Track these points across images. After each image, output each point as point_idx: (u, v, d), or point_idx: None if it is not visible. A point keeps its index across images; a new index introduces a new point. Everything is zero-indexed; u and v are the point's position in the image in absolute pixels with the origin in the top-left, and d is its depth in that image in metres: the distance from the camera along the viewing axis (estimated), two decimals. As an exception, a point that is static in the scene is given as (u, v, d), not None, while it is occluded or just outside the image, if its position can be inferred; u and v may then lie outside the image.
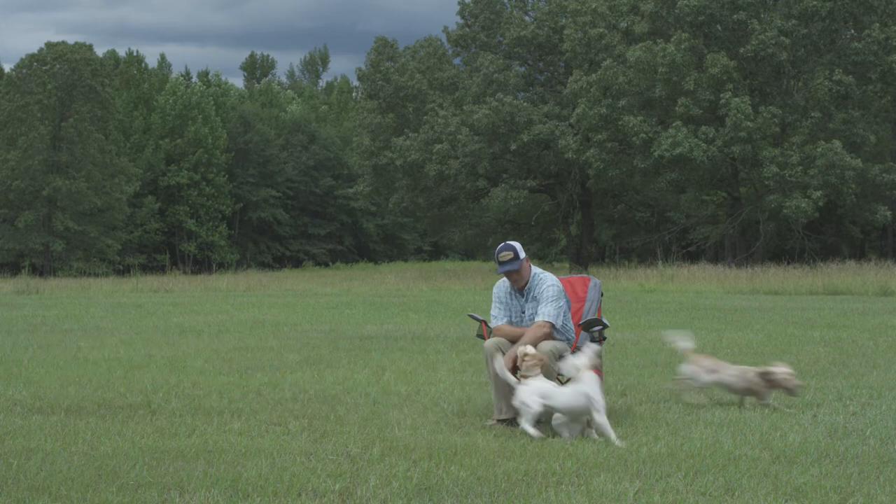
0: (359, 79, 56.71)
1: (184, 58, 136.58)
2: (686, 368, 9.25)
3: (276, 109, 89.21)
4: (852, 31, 44.41)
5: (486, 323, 8.68)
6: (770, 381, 8.79)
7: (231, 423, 8.09)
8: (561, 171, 50.87)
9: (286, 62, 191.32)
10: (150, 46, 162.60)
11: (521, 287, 8.43)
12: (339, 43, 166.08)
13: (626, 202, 54.85)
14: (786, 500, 5.76)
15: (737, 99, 41.26)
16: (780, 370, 8.82)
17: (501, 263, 8.30)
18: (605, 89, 44.53)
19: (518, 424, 7.89)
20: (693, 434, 7.54)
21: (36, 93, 63.59)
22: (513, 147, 47.56)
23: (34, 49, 66.71)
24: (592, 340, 8.49)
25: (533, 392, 7.57)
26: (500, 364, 7.83)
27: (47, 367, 11.82)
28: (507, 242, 8.43)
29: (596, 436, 7.42)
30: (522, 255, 8.34)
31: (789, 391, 8.80)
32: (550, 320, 8.20)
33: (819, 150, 40.78)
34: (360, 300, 27.55)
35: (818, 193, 40.54)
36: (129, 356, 13.00)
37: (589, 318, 8.51)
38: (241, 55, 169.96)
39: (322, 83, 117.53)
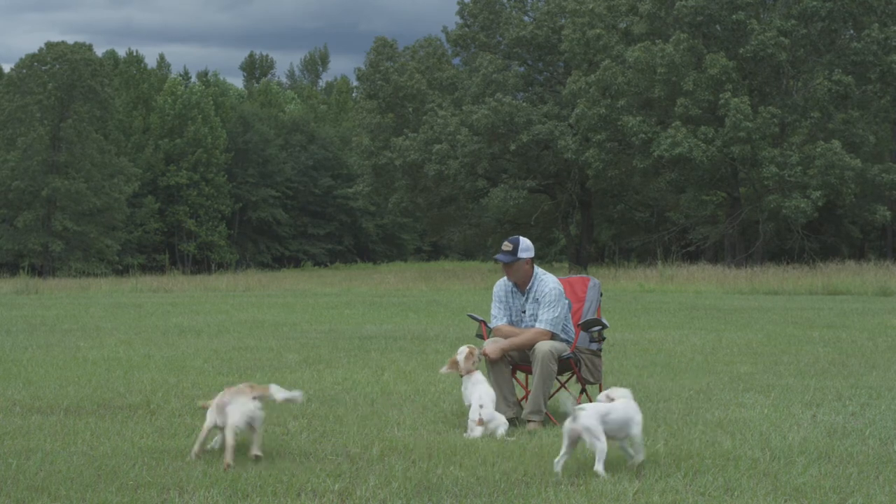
0: (358, 79, 56.66)
1: (186, 58, 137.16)
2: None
3: (274, 109, 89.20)
4: (851, 32, 44.38)
5: (485, 323, 8.69)
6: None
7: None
8: (560, 171, 50.87)
9: (289, 62, 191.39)
10: (154, 47, 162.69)
11: (518, 284, 8.45)
12: (340, 43, 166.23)
13: (625, 202, 54.83)
14: (785, 500, 5.76)
15: (736, 99, 41.24)
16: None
17: (500, 251, 8.38)
18: (604, 89, 44.52)
19: (518, 424, 7.90)
20: (692, 434, 7.54)
21: (35, 93, 63.56)
22: (512, 147, 47.56)
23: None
24: (592, 340, 8.50)
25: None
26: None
27: (46, 367, 11.81)
28: (516, 236, 8.45)
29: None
30: (524, 254, 8.32)
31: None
32: (549, 329, 8.24)
33: (818, 150, 40.75)
34: (359, 300, 27.54)
35: (818, 193, 40.52)
36: (128, 356, 12.99)
37: (588, 318, 8.52)
38: (244, 55, 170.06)
39: (322, 83, 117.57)
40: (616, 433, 6.52)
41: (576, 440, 6.40)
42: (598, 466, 6.25)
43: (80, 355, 13.06)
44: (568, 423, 6.42)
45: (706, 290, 31.17)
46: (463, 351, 8.04)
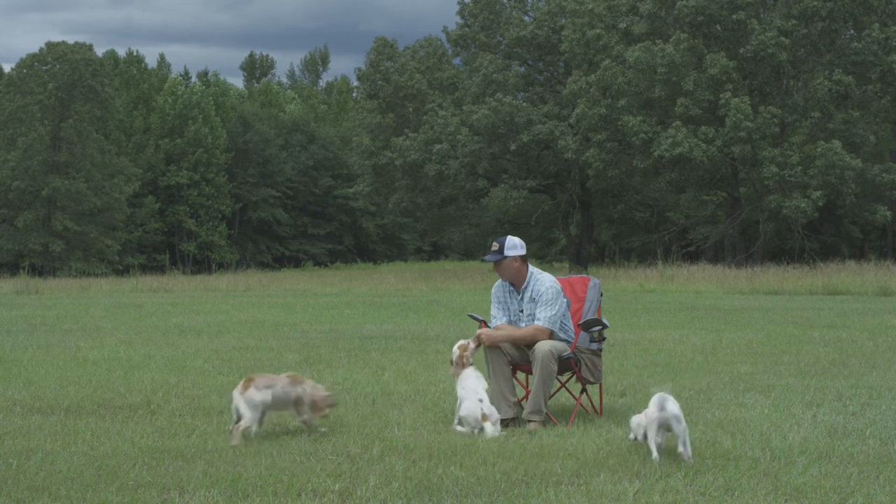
0: (358, 79, 56.69)
1: (186, 58, 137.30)
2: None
3: (275, 109, 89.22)
4: (852, 31, 44.38)
5: (485, 323, 8.69)
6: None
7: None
8: (560, 171, 50.88)
9: (289, 62, 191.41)
10: (154, 47, 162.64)
11: (512, 282, 8.46)
12: (340, 43, 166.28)
13: (625, 202, 54.84)
14: (785, 500, 5.76)
15: (736, 99, 41.23)
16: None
17: (489, 252, 8.44)
18: (604, 89, 44.52)
19: (519, 424, 7.90)
20: (692, 434, 7.53)
21: (36, 93, 63.58)
22: (512, 147, 47.57)
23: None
24: (592, 340, 8.50)
25: None
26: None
27: (47, 367, 11.82)
28: (505, 236, 8.49)
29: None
30: (511, 252, 8.33)
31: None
32: (548, 326, 8.24)
33: (819, 150, 40.76)
34: (359, 300, 27.54)
35: (818, 193, 40.53)
36: (128, 356, 12.99)
37: (588, 318, 8.52)
38: (244, 55, 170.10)
39: (322, 83, 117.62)
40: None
41: (667, 427, 6.76)
42: (684, 448, 6.64)
43: (81, 355, 13.06)
44: (655, 413, 6.79)
45: (706, 290, 31.16)
46: (455, 353, 8.13)
